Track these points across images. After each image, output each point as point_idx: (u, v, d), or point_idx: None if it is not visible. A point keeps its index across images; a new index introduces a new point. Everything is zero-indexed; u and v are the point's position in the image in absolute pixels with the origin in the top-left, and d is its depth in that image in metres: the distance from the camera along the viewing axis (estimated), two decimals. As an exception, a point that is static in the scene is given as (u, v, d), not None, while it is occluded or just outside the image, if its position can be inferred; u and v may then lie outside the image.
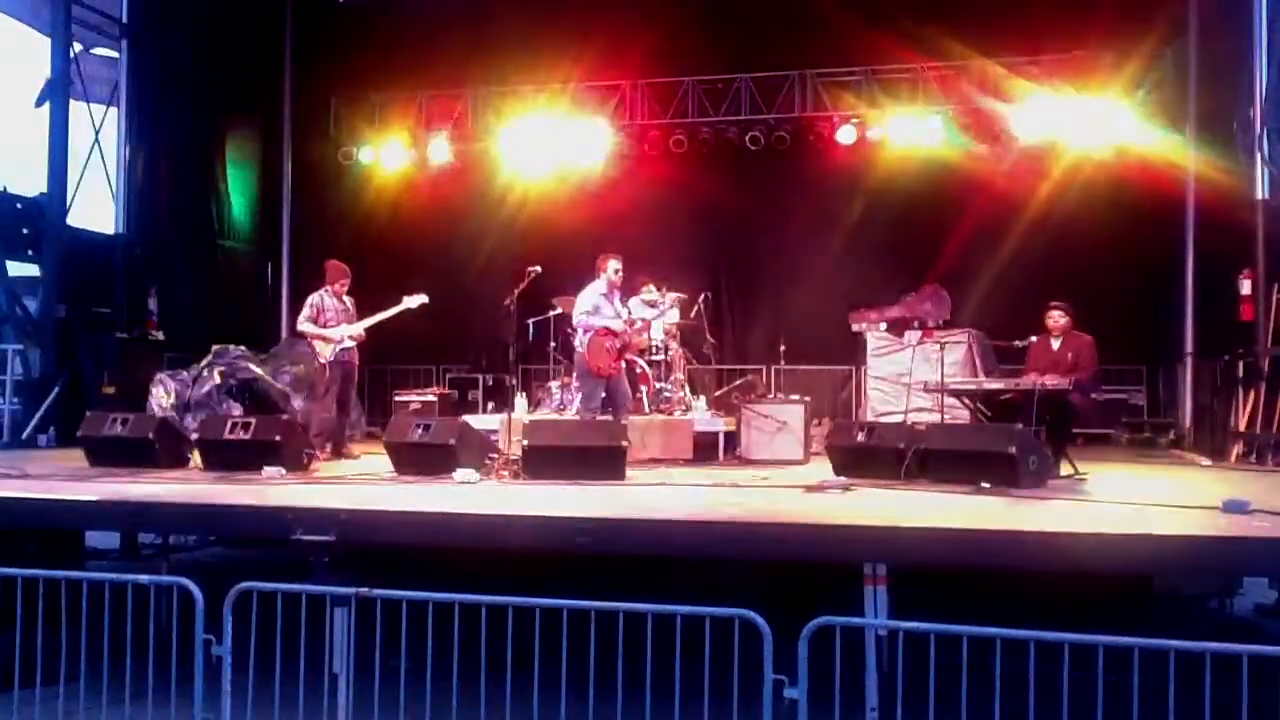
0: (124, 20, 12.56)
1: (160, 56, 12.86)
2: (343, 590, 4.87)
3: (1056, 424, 7.91)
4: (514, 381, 10.96)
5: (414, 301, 9.71)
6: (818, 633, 4.21)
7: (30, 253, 11.32)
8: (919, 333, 11.77)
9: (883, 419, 10.73)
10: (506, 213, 14.25)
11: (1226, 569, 5.91)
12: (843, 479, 7.17)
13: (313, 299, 9.53)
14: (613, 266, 9.13)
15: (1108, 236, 12.48)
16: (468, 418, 9.87)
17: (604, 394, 8.98)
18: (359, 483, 7.58)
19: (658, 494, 6.99)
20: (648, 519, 5.90)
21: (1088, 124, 12.44)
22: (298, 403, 11.31)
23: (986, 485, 6.58)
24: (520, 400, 10.75)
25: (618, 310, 9.17)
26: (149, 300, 12.36)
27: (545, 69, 13.88)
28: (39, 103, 11.38)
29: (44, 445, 10.54)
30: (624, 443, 7.74)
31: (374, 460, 8.81)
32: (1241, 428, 9.87)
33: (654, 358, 10.62)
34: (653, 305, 10.46)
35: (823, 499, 6.57)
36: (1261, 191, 9.87)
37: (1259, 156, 9.86)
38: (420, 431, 7.79)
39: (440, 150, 14.24)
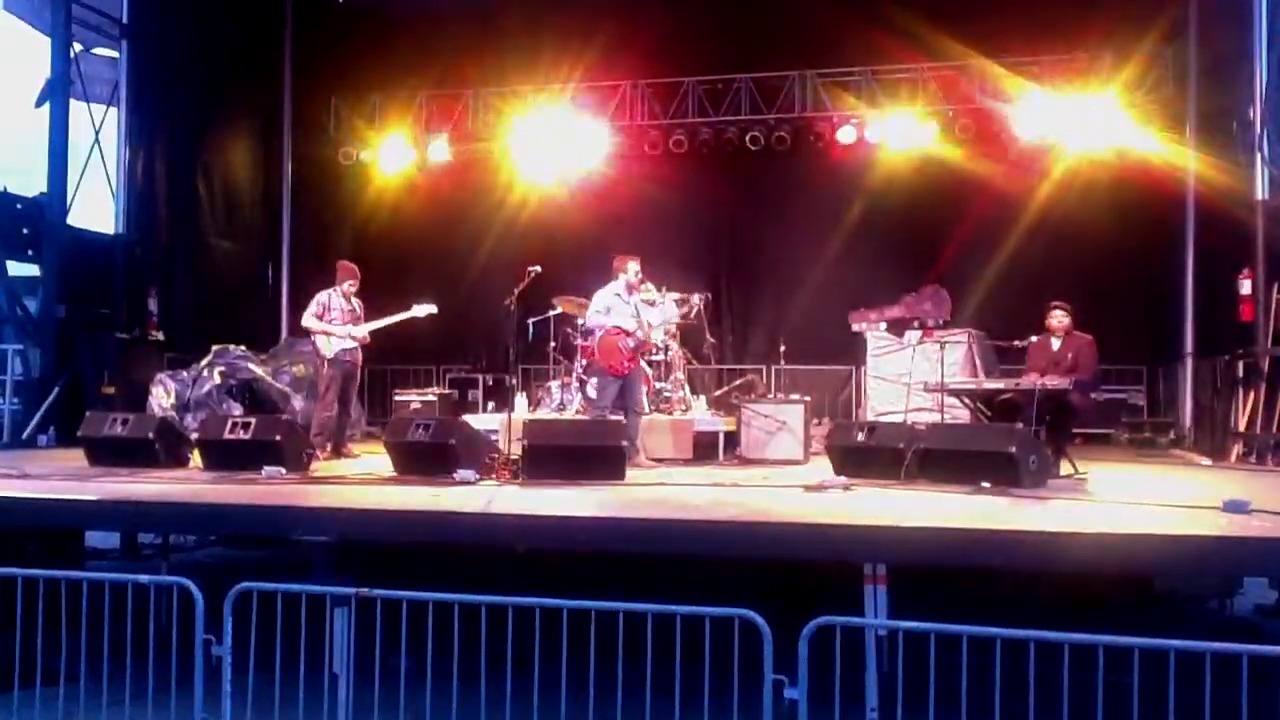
0: (124, 20, 12.55)
1: (160, 56, 12.85)
2: (343, 590, 4.87)
3: (1056, 424, 7.91)
4: (514, 381, 10.96)
5: (422, 310, 9.72)
6: (818, 633, 4.21)
7: (30, 253, 11.32)
8: (919, 332, 11.77)
9: (883, 419, 10.72)
10: (506, 213, 14.25)
11: (1226, 569, 5.89)
12: (843, 479, 7.17)
13: (320, 296, 9.55)
14: (632, 268, 9.14)
15: (1108, 236, 12.48)
16: (468, 417, 9.88)
17: (618, 393, 8.96)
18: (359, 483, 7.57)
19: (658, 494, 6.98)
20: (648, 519, 5.90)
21: (1088, 124, 12.43)
22: (298, 403, 11.31)
23: (987, 485, 6.58)
24: (520, 400, 10.75)
25: (634, 311, 9.15)
26: (149, 300, 12.35)
27: (545, 69, 13.88)
28: (39, 103, 11.39)
29: (44, 445, 10.54)
30: (624, 442, 7.73)
31: (374, 460, 8.81)
32: (1241, 428, 9.86)
33: (654, 358, 10.61)
34: (650, 304, 10.45)
35: (823, 499, 6.57)
36: (1261, 191, 9.86)
37: (1259, 156, 9.85)
38: (420, 431, 7.78)
39: (440, 150, 14.24)
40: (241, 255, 14.50)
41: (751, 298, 14.32)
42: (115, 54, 12.68)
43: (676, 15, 13.54)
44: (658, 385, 10.55)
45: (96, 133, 12.23)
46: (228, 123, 14.33)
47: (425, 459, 7.63)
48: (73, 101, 11.67)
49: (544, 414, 10.76)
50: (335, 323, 9.46)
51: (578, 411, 10.51)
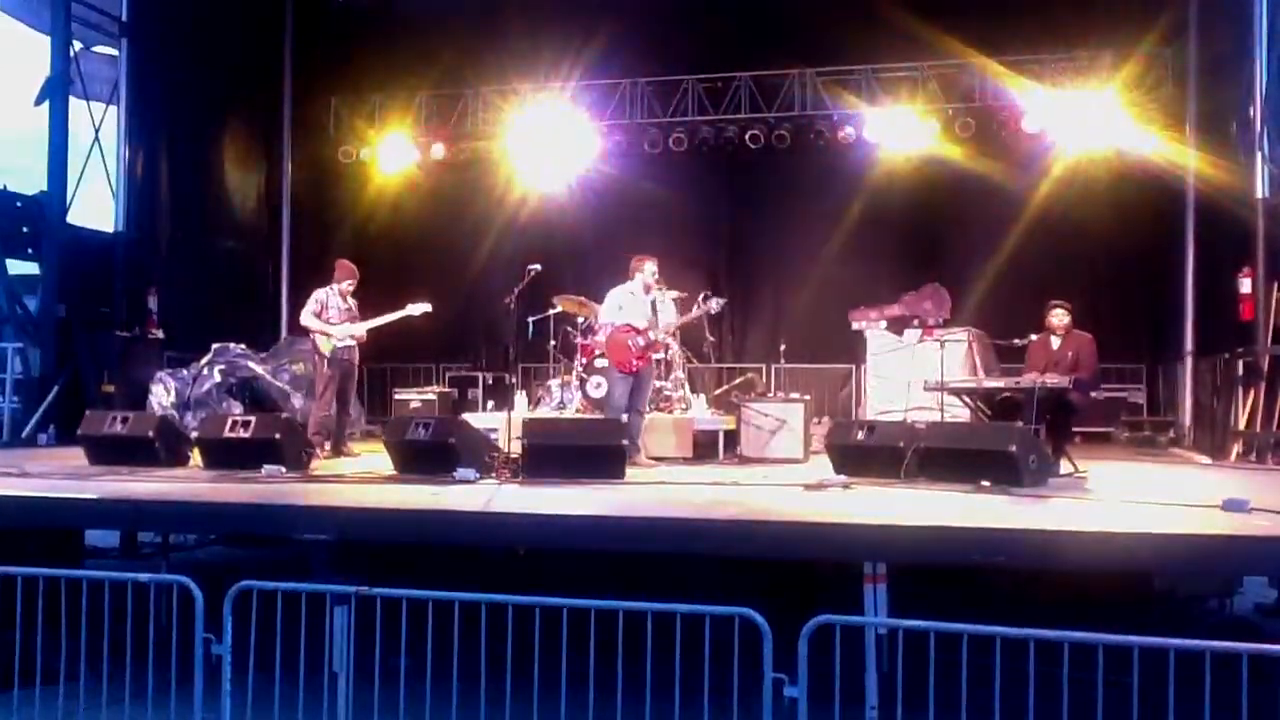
0: (124, 19, 12.55)
1: (160, 55, 12.85)
2: (342, 589, 4.87)
3: (1056, 422, 7.91)
4: (514, 380, 10.97)
5: (418, 309, 9.72)
6: (818, 631, 4.21)
7: (30, 251, 11.32)
8: (919, 331, 11.77)
9: (883, 417, 10.70)
10: (506, 212, 14.27)
11: (1226, 568, 5.89)
12: (842, 478, 7.17)
13: (318, 294, 9.54)
14: (649, 269, 9.10)
15: (1107, 235, 12.50)
16: (468, 416, 9.88)
17: (629, 390, 8.94)
18: (359, 482, 7.57)
19: (658, 493, 6.98)
20: (648, 518, 5.90)
21: (1088, 123, 12.44)
22: (297, 401, 11.31)
23: (987, 484, 6.57)
24: (520, 399, 10.75)
25: (647, 310, 9.14)
26: (149, 299, 12.36)
27: (545, 68, 13.89)
28: (39, 101, 11.39)
29: (44, 444, 10.54)
30: (624, 441, 7.73)
31: (374, 459, 8.80)
32: (1241, 426, 9.87)
33: (654, 356, 10.61)
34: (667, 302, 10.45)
35: (822, 497, 6.57)
36: (1261, 191, 9.86)
37: (1259, 156, 9.85)
38: (420, 430, 7.77)
39: (440, 150, 14.24)
40: (241, 255, 14.51)
41: (751, 297, 14.33)
42: (115, 52, 12.68)
43: (676, 14, 13.55)
44: (658, 384, 10.54)
45: (96, 131, 12.23)
46: (228, 122, 14.34)
47: (425, 458, 7.63)
48: (72, 100, 11.68)
49: (544, 413, 10.76)
50: (333, 321, 9.45)
51: (578, 410, 10.51)
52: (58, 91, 11.34)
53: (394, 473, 7.78)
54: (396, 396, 12.72)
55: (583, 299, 11.11)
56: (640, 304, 9.07)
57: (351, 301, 9.67)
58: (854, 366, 13.16)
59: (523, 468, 7.53)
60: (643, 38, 13.62)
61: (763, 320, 14.24)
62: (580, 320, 11.14)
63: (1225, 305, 10.50)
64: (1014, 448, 6.67)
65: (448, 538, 5.97)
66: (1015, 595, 6.40)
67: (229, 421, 8.21)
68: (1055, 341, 8.44)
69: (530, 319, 11.39)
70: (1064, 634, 3.97)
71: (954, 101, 12.94)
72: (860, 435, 7.71)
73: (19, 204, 11.16)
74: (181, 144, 13.32)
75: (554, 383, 11.34)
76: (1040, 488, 6.72)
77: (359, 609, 4.81)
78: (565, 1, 13.79)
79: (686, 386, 10.83)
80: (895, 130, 12.98)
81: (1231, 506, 5.47)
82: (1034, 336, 8.61)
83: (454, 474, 7.29)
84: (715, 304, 9.68)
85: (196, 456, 8.30)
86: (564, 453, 7.58)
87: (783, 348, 12.35)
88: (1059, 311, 8.47)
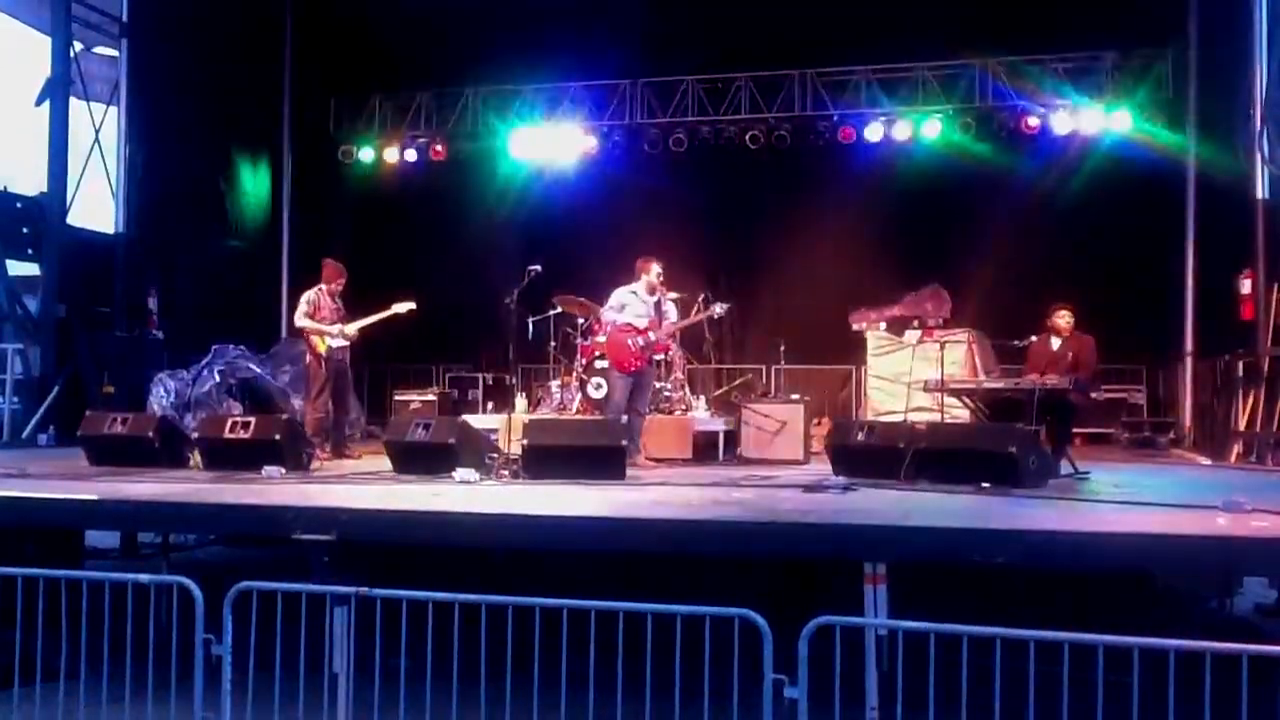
0: (124, 19, 12.56)
1: (160, 56, 12.85)
2: (342, 590, 4.87)
3: (1056, 423, 7.91)
4: (514, 381, 10.96)
5: (402, 307, 9.74)
6: (818, 632, 4.20)
7: (30, 252, 11.32)
8: (919, 332, 11.77)
9: (883, 418, 10.72)
10: (506, 212, 14.28)
11: (1226, 568, 5.90)
12: (842, 478, 7.17)
13: (309, 296, 9.54)
14: (655, 270, 9.11)
15: (1108, 236, 12.49)
16: (468, 417, 9.87)
17: (629, 391, 8.94)
18: (359, 482, 7.57)
19: (658, 494, 6.98)
20: (648, 519, 5.89)
21: (1088, 124, 12.44)
22: (297, 402, 11.30)
23: (987, 485, 6.57)
24: (520, 400, 10.75)
25: (650, 311, 9.13)
26: (149, 299, 12.36)
27: (545, 68, 13.88)
28: (39, 102, 11.39)
29: (44, 444, 10.54)
30: (624, 442, 7.73)
31: (374, 460, 8.80)
32: (1241, 427, 9.87)
33: (654, 357, 10.61)
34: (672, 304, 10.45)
35: (822, 498, 6.56)
36: (1261, 191, 9.87)
37: (1259, 156, 9.86)
38: (420, 431, 7.78)
39: (440, 150, 14.24)
40: (241, 255, 14.51)
41: (751, 297, 14.29)
42: (115, 53, 12.69)
43: (676, 14, 13.55)
44: (658, 385, 10.55)
45: (96, 132, 12.24)
46: (228, 121, 14.33)
47: (425, 458, 7.63)
48: (73, 100, 11.68)
49: (544, 414, 10.76)
50: (325, 321, 9.47)
51: (578, 411, 10.51)
52: (58, 92, 11.35)
53: (394, 473, 7.78)
54: (397, 397, 12.73)
55: (583, 300, 11.10)
56: (642, 305, 9.07)
57: (338, 301, 9.67)
58: (854, 367, 13.16)
59: (523, 468, 7.53)
60: (642, 38, 13.61)
61: (763, 321, 14.22)
62: (580, 321, 11.14)
63: (1225, 306, 10.51)
64: (1014, 449, 6.68)
65: (448, 539, 5.96)
66: (1015, 596, 6.39)
67: (229, 422, 8.21)
68: (1055, 342, 8.44)
69: (530, 320, 11.39)
70: (1064, 635, 3.97)
71: (954, 102, 12.94)
72: (860, 436, 7.71)
73: (19, 204, 11.17)
74: (181, 144, 13.31)
75: (554, 383, 11.34)
76: (1040, 488, 6.72)
77: (359, 609, 4.80)
78: (565, 1, 13.78)
79: (686, 387, 10.84)
80: (895, 131, 12.98)
81: (1231, 507, 5.47)
82: (1034, 337, 8.61)
83: (454, 475, 7.29)
84: (719, 309, 9.66)
85: (196, 457, 8.31)
86: (564, 453, 7.58)
87: (782, 348, 12.35)
88: (1064, 314, 8.48)
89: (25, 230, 11.20)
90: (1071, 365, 8.23)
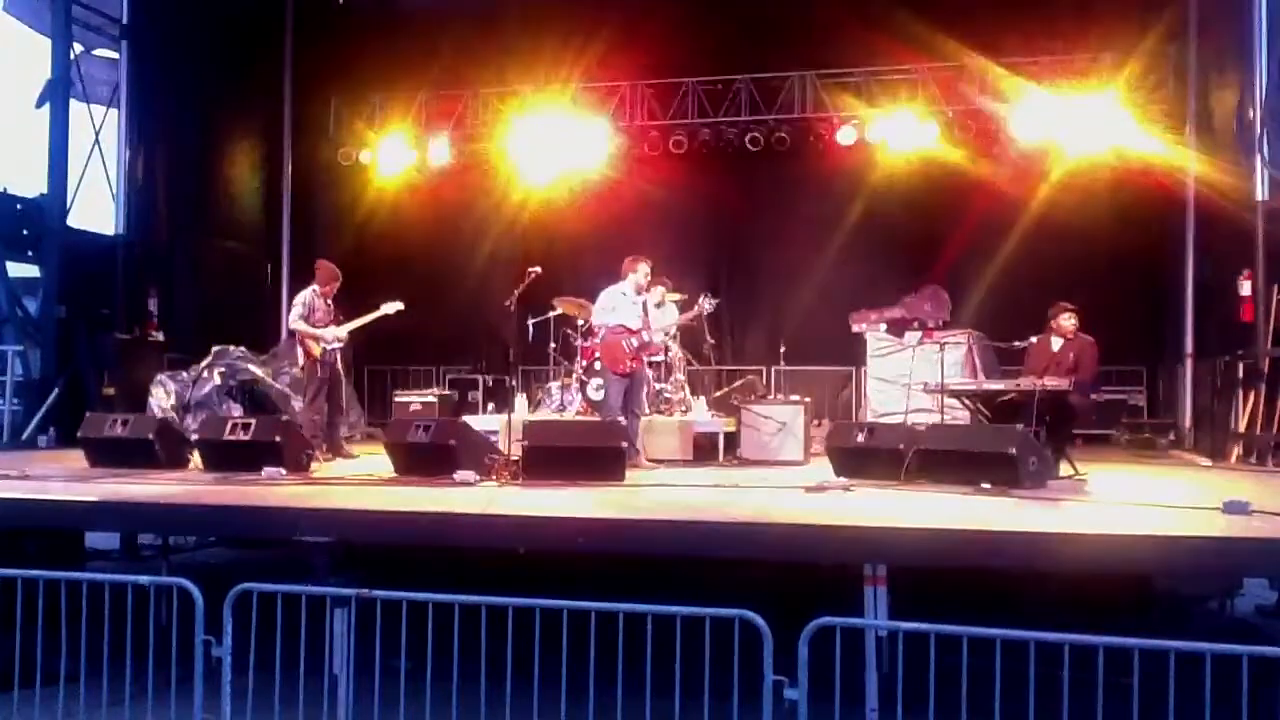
0: (124, 21, 12.56)
1: (160, 57, 12.85)
2: (343, 591, 4.87)
3: (1056, 425, 7.91)
4: (514, 382, 10.96)
5: (391, 308, 9.75)
6: (818, 633, 4.21)
7: (30, 253, 11.33)
8: (919, 333, 11.77)
9: (883, 419, 10.72)
10: (506, 213, 14.26)
11: (1226, 569, 5.90)
12: (843, 479, 7.17)
13: (304, 298, 9.55)
14: (643, 270, 9.09)
15: (1107, 237, 12.48)
16: (468, 418, 9.88)
17: (624, 392, 8.94)
18: (359, 483, 7.57)
19: (657, 495, 6.98)
20: (647, 519, 5.90)
21: (1087, 125, 12.43)
22: (297, 404, 11.29)
23: (987, 486, 6.58)
24: (520, 401, 10.74)
25: (640, 311, 9.14)
26: (149, 301, 12.36)
27: (545, 69, 13.88)
28: (39, 103, 11.39)
29: (44, 446, 10.54)
30: (623, 443, 7.73)
31: (374, 461, 8.80)
32: (1241, 428, 9.87)
33: (654, 359, 10.61)
34: (659, 306, 10.45)
35: (823, 499, 6.57)
36: (1261, 192, 9.85)
37: (1259, 157, 9.85)
38: (420, 432, 7.78)
39: (440, 151, 14.25)
40: (242, 255, 14.51)
41: (751, 298, 14.32)
42: (115, 55, 12.69)
43: (676, 15, 13.55)
44: (658, 386, 10.54)
45: (96, 133, 12.25)
46: (228, 123, 14.34)
47: (425, 460, 7.63)
48: (73, 102, 11.69)
49: (544, 415, 10.76)
50: (320, 323, 9.49)
51: (578, 412, 10.50)
52: (58, 94, 11.35)
53: (394, 475, 7.78)
54: (397, 399, 12.71)
55: (583, 301, 11.09)
56: (632, 305, 9.08)
57: (330, 303, 9.68)
58: (854, 369, 13.15)
59: (523, 469, 7.53)
60: (643, 39, 13.60)
61: (763, 322, 14.23)
62: (580, 323, 11.14)
63: (1225, 307, 10.50)
64: (1014, 450, 6.68)
65: (448, 540, 5.97)
66: (1015, 597, 6.39)
67: (229, 424, 8.22)
68: (1056, 344, 8.43)
69: (530, 321, 11.39)
70: (1064, 636, 3.97)
71: (953, 103, 12.94)
72: (860, 437, 7.71)
73: (19, 206, 11.17)
74: (181, 146, 13.32)
75: (554, 385, 11.34)
76: (1040, 490, 6.72)
77: (359, 611, 4.81)
78: (565, 2, 13.78)
79: (687, 389, 10.83)
80: (895, 132, 12.98)
81: (1232, 508, 5.48)
82: (1034, 338, 8.60)
83: (454, 476, 7.29)
84: (709, 303, 9.69)
85: (196, 459, 8.31)
86: (564, 455, 7.58)
87: (783, 350, 12.34)
88: (1069, 315, 8.46)
89: (25, 232, 11.21)
90: (1072, 366, 8.23)
